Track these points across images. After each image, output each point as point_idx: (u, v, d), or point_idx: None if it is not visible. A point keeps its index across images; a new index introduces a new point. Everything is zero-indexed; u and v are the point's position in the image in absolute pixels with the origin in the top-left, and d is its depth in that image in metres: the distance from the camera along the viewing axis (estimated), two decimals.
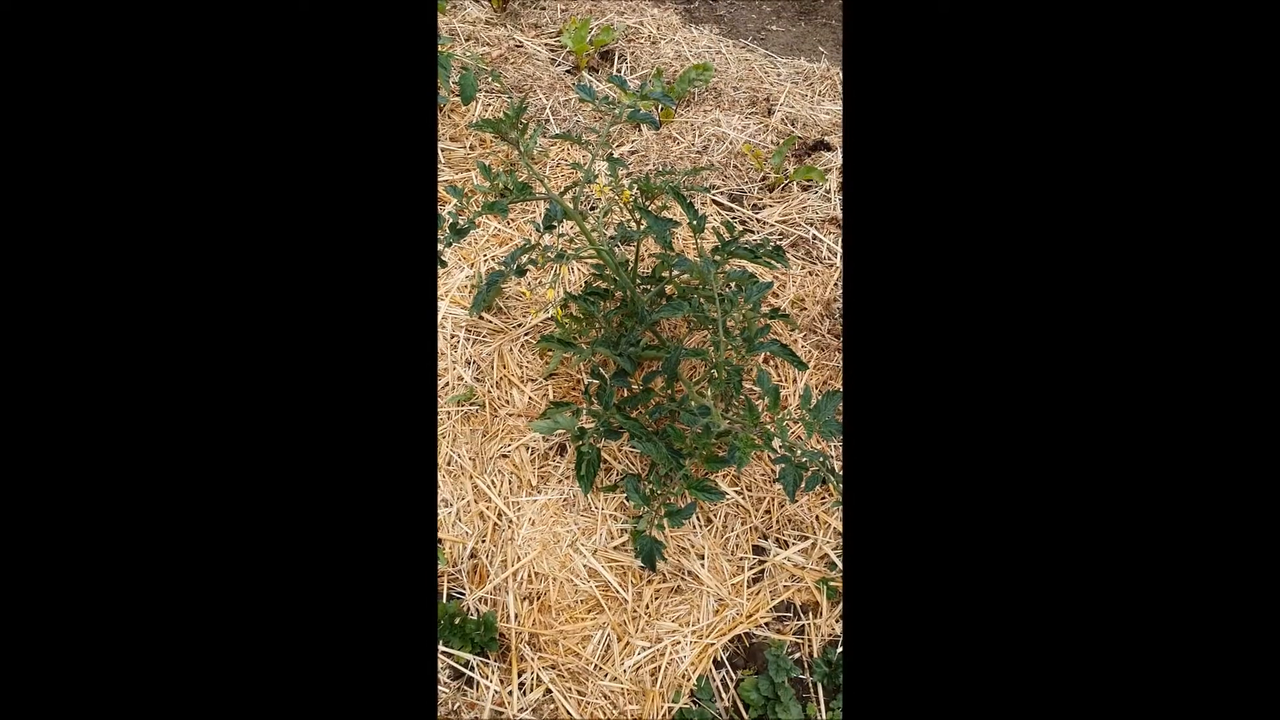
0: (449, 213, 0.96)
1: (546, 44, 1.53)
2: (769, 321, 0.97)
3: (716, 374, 0.86)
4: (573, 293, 1.02)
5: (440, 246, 0.96)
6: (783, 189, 1.30)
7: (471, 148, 1.33)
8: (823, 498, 0.97)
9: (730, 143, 1.36)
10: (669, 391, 0.94)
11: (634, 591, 0.90)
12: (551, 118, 1.38)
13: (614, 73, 1.48)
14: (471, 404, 1.03)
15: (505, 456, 0.99)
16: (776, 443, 0.78)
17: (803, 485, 0.76)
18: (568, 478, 0.97)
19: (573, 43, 1.46)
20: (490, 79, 1.41)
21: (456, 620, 0.86)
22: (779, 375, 1.06)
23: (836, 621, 0.90)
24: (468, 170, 1.29)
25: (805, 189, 1.29)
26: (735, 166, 1.33)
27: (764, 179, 1.31)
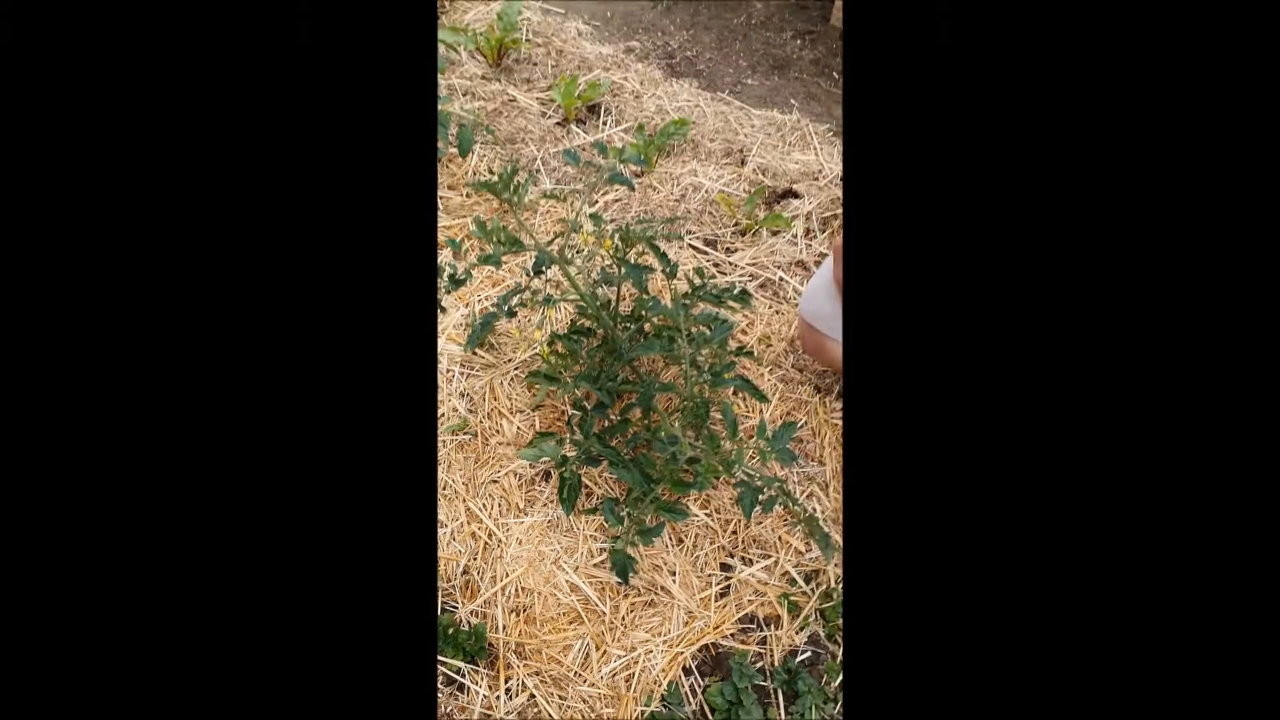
0: (448, 263, 1.06)
1: (538, 98, 1.64)
2: (735, 358, 1.07)
3: (686, 406, 0.95)
4: (558, 332, 1.12)
5: (440, 294, 1.06)
6: (753, 234, 1.41)
7: (468, 195, 1.44)
8: (785, 519, 1.06)
9: (706, 191, 1.47)
10: (645, 422, 1.04)
11: (611, 605, 0.98)
12: (542, 168, 1.49)
13: (600, 125, 1.60)
14: (465, 433, 1.13)
15: (495, 482, 1.08)
16: (738, 469, 0.87)
17: (759, 508, 0.85)
18: (552, 501, 1.06)
19: (562, 98, 1.58)
20: (485, 132, 1.53)
21: (450, 631, 0.95)
22: (746, 407, 1.15)
23: (796, 633, 0.99)
24: (464, 216, 1.40)
25: (774, 234, 1.40)
26: (710, 213, 1.44)
27: (736, 224, 1.42)
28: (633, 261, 1.01)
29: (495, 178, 1.04)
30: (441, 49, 1.59)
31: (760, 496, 0.86)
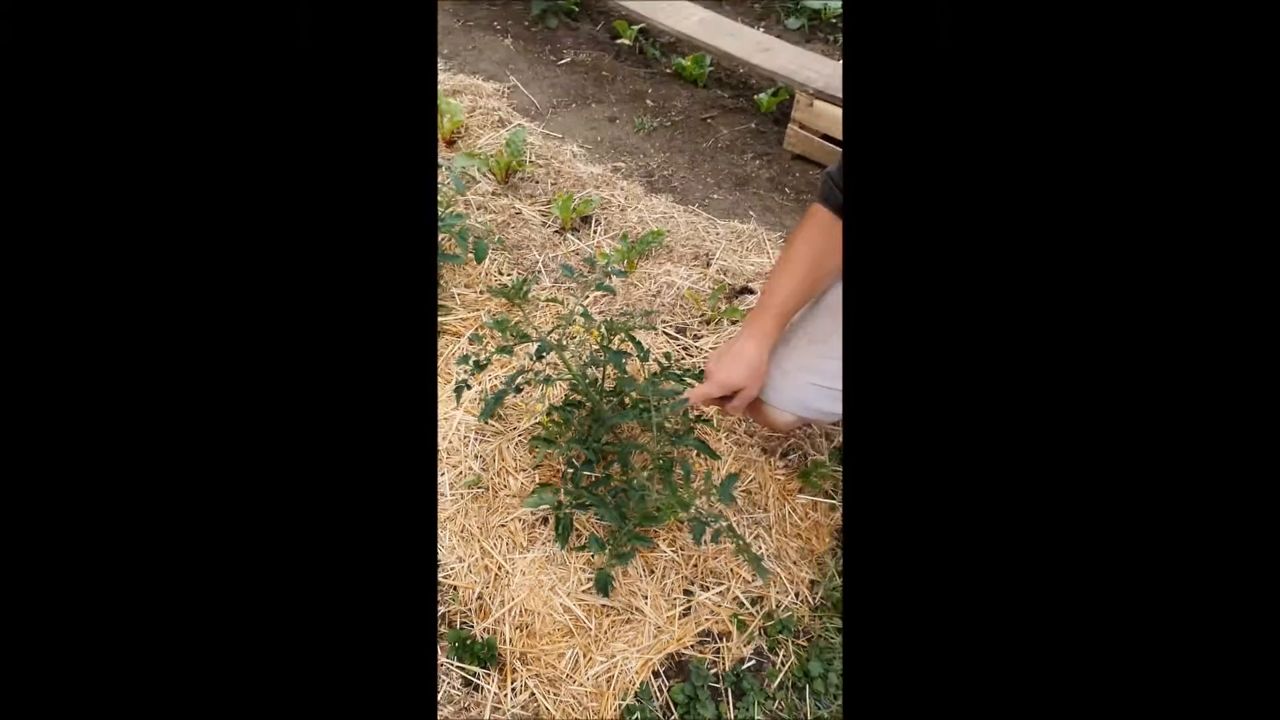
0: (471, 351, 1.36)
1: (539, 210, 1.98)
2: (696, 424, 1.35)
3: (654, 462, 1.23)
4: (555, 404, 1.40)
5: (466, 377, 1.36)
6: (716, 323, 1.71)
7: (480, 293, 1.75)
8: (739, 559, 1.32)
9: (677, 288, 1.78)
10: (623, 476, 1.31)
11: (596, 622, 1.23)
12: (543, 270, 1.81)
13: (592, 233, 1.93)
14: (479, 487, 1.39)
15: (504, 525, 1.34)
16: (691, 508, 1.14)
17: (708, 539, 1.11)
18: (549, 540, 1.32)
19: (560, 211, 1.91)
20: (496, 241, 1.85)
21: (467, 642, 1.19)
22: (704, 464, 1.43)
23: (744, 645, 1.23)
24: (478, 309, 1.71)
25: (733, 323, 1.71)
26: (680, 306, 1.75)
27: (702, 315, 1.73)
28: (615, 348, 1.30)
29: (508, 283, 1.34)
30: (460, 171, 1.93)
31: (707, 529, 1.13)
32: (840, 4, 2.65)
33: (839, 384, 1.20)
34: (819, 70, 2.16)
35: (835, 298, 1.23)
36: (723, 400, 1.19)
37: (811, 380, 1.19)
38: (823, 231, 1.12)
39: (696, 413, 1.39)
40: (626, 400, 1.36)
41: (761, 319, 1.16)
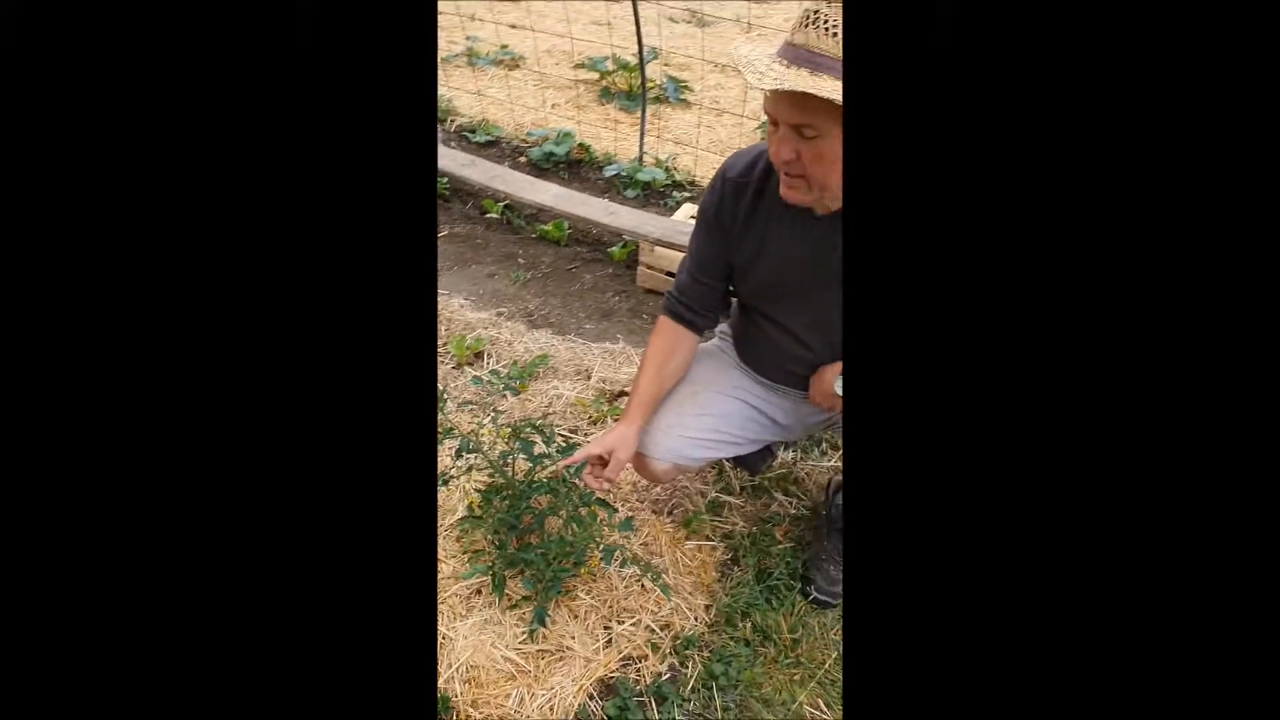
0: None
1: (437, 349, 2.31)
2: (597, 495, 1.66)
3: (564, 520, 1.52)
4: (479, 489, 1.67)
5: None
6: (601, 422, 2.06)
7: None
8: (642, 592, 1.60)
9: (565, 398, 2.14)
10: (542, 535, 1.58)
11: (534, 665, 1.45)
12: (449, 397, 2.11)
13: (485, 365, 2.27)
14: None
15: (443, 602, 1.55)
16: (601, 543, 1.43)
17: (616, 563, 1.39)
18: (488, 606, 1.54)
19: (455, 349, 2.25)
20: None
21: None
22: (606, 517, 1.72)
23: (660, 663, 1.49)
24: None
25: (615, 420, 2.07)
26: (570, 412, 2.09)
27: (589, 418, 2.08)
28: (522, 438, 1.61)
29: None
30: None
31: (615, 554, 1.42)
32: (663, 175, 3.31)
33: (701, 435, 1.57)
34: (656, 224, 2.72)
35: (691, 373, 1.63)
36: (602, 463, 1.50)
37: (680, 434, 1.56)
38: (665, 336, 1.55)
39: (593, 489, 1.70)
40: (536, 479, 1.66)
41: (629, 409, 1.53)
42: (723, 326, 1.74)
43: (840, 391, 1.46)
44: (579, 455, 1.49)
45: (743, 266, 1.48)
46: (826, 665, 1.51)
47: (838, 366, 1.46)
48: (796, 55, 1.10)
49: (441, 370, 2.21)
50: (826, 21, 1.08)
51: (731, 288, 1.56)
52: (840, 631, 1.58)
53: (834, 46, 1.08)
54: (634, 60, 3.42)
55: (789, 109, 1.13)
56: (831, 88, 1.05)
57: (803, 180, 1.21)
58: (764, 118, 1.15)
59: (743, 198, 1.42)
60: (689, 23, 5.57)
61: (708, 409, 1.59)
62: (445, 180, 3.28)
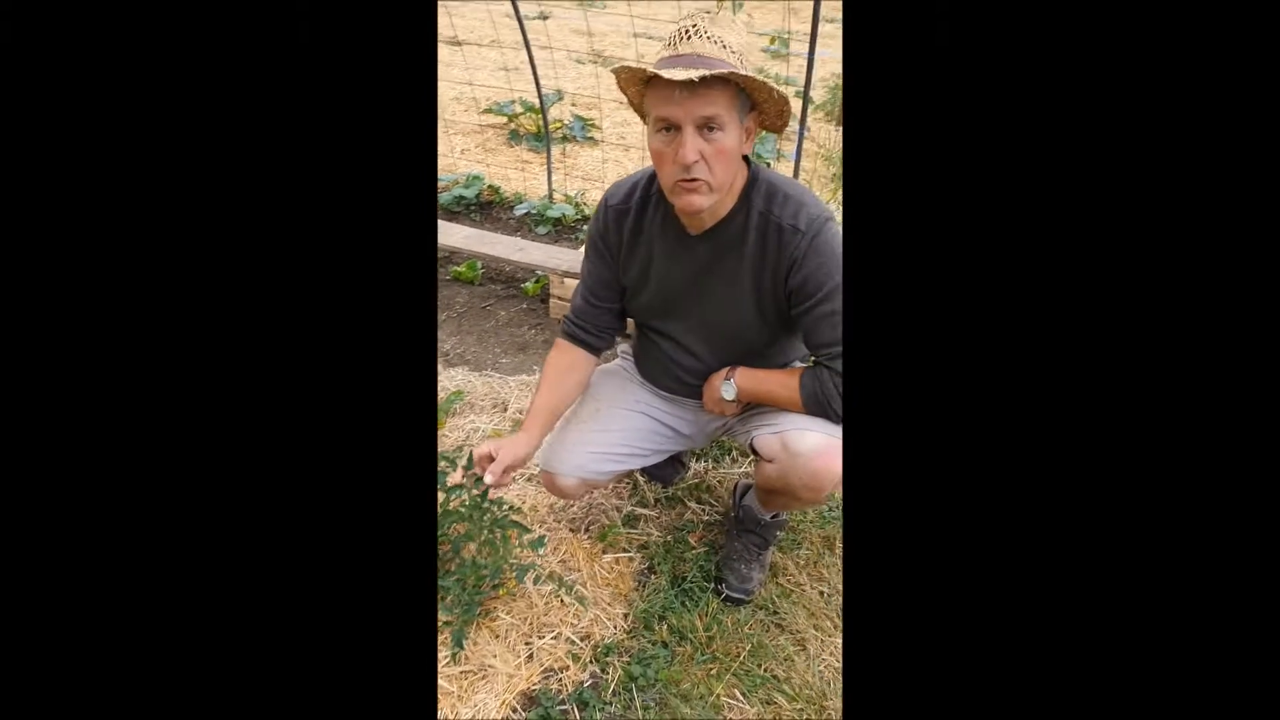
0: None
1: None
2: (512, 513, 1.72)
3: (481, 544, 1.57)
4: None
5: None
6: None
7: None
8: (560, 606, 1.66)
9: (483, 431, 2.19)
10: (457, 560, 1.63)
11: (458, 685, 1.49)
12: None
13: None
14: None
15: None
16: (514, 562, 1.49)
17: (530, 579, 1.45)
18: None
19: None
20: None
21: None
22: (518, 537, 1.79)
23: (581, 671, 1.54)
24: None
25: None
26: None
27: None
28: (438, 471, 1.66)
29: None
30: None
31: (529, 572, 1.48)
32: (572, 211, 3.43)
33: (607, 450, 1.66)
34: (564, 258, 2.83)
35: (591, 388, 1.73)
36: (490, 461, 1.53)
37: (586, 449, 1.64)
38: (563, 355, 1.65)
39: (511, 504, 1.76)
40: (454, 504, 1.71)
41: (525, 421, 1.60)
42: (624, 347, 1.85)
43: (729, 396, 1.57)
44: (476, 452, 1.52)
45: (631, 287, 1.59)
46: (741, 658, 1.60)
47: (724, 372, 1.58)
48: (690, 61, 1.21)
49: None
50: (705, 33, 1.21)
51: (627, 310, 1.67)
52: (754, 625, 1.67)
53: (717, 51, 1.20)
54: (539, 103, 3.56)
55: (698, 103, 1.19)
56: (736, 72, 1.18)
57: (704, 184, 1.26)
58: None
59: (625, 222, 1.53)
60: (595, 63, 5.78)
61: (611, 425, 1.68)
62: None
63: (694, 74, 1.16)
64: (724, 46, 1.22)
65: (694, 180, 1.25)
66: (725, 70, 1.17)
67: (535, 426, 1.58)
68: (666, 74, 1.17)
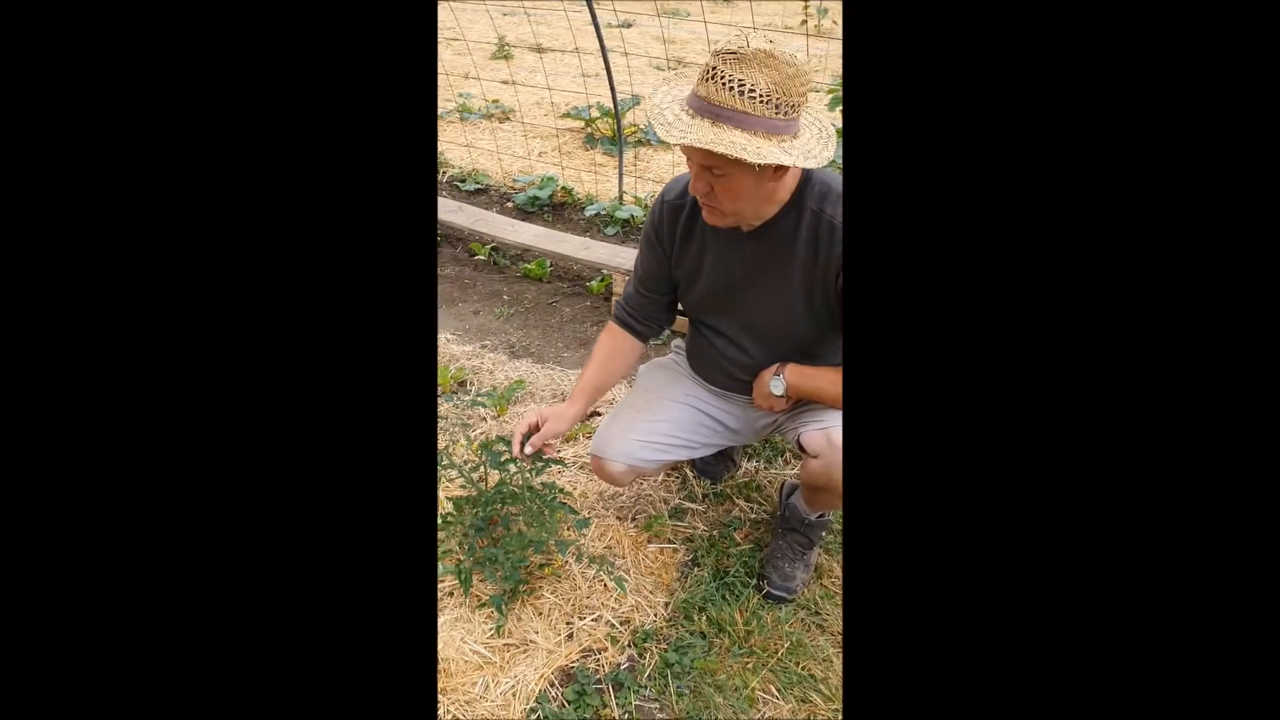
0: None
1: None
2: (561, 495, 1.78)
3: (529, 522, 1.63)
4: (449, 496, 1.80)
5: None
6: (575, 440, 2.19)
7: None
8: (603, 589, 1.70)
9: None
10: (506, 535, 1.70)
11: (499, 656, 1.55)
12: None
13: (468, 391, 2.41)
14: None
15: None
16: (555, 538, 1.54)
17: (571, 556, 1.50)
18: (459, 606, 1.65)
19: (440, 379, 2.39)
20: None
21: None
22: (565, 520, 1.84)
23: (619, 654, 1.58)
24: None
25: (586, 437, 2.19)
26: None
27: (564, 437, 2.20)
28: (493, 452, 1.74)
29: None
30: None
31: (569, 548, 1.53)
32: (640, 212, 3.49)
33: (655, 439, 1.69)
34: (627, 257, 2.88)
35: (642, 380, 1.77)
36: (535, 431, 1.61)
37: (634, 437, 1.68)
38: (612, 336, 1.71)
39: (562, 486, 1.82)
40: (504, 487, 1.78)
41: (572, 393, 1.68)
42: (677, 342, 1.88)
43: (777, 392, 1.58)
44: (519, 425, 1.60)
45: (684, 282, 1.63)
46: (779, 654, 1.60)
47: (774, 368, 1.59)
48: (700, 106, 1.26)
49: None
50: (723, 77, 1.24)
51: (679, 304, 1.71)
52: (794, 625, 1.67)
53: (732, 99, 1.23)
54: (614, 108, 3.64)
55: (698, 153, 1.29)
56: (728, 139, 1.21)
57: (717, 209, 1.39)
58: None
59: (679, 218, 1.57)
60: (673, 69, 5.85)
61: (660, 415, 1.72)
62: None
63: (674, 138, 1.23)
64: (743, 93, 1.21)
65: (709, 204, 1.39)
66: (703, 144, 1.20)
67: (579, 399, 1.66)
68: (661, 131, 1.26)
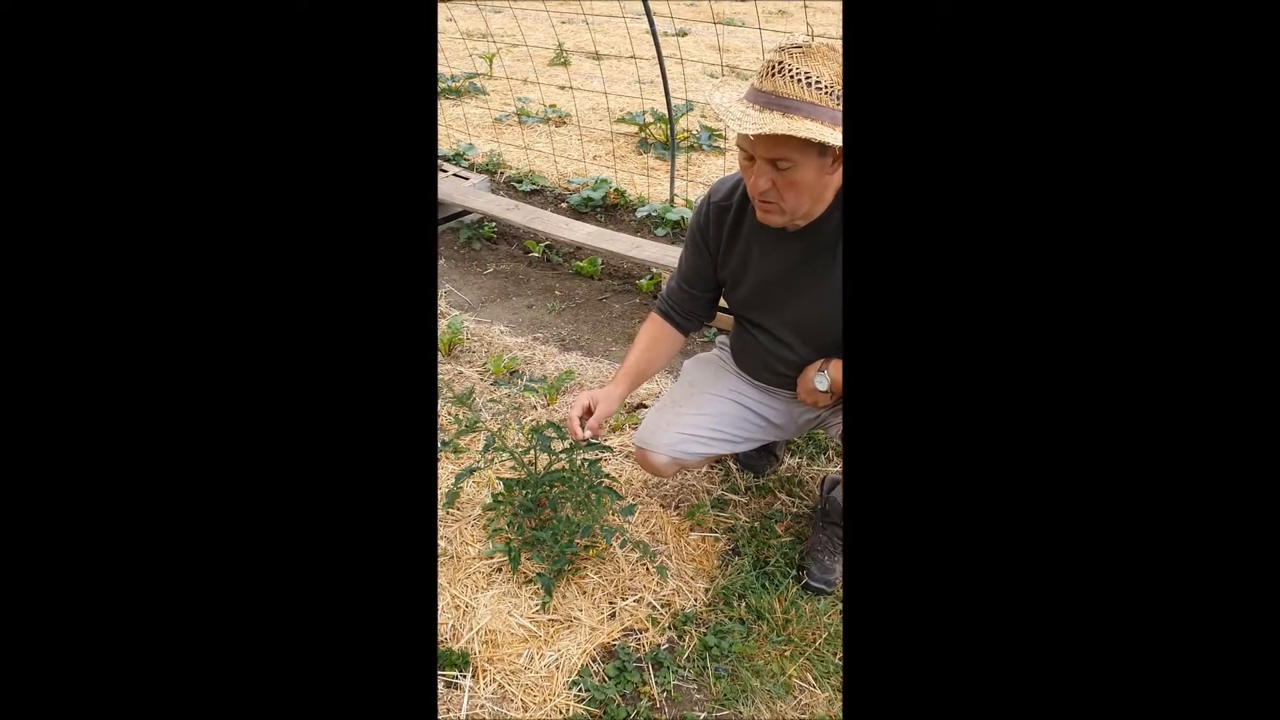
0: (441, 430, 1.84)
1: (477, 370, 2.55)
2: (607, 480, 1.84)
3: (577, 505, 1.70)
4: (500, 477, 1.87)
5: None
6: (620, 430, 2.25)
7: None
8: (644, 572, 1.76)
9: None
10: (554, 517, 1.77)
11: (545, 631, 1.62)
12: (484, 403, 2.34)
13: (519, 380, 2.50)
14: (444, 556, 1.81)
15: (469, 576, 1.75)
16: (600, 523, 1.60)
17: (616, 542, 1.56)
18: (507, 581, 1.73)
19: (493, 367, 2.49)
20: (446, 389, 2.39)
21: (446, 655, 1.55)
22: (610, 506, 1.90)
23: (659, 635, 1.63)
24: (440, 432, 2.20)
25: (633, 428, 2.25)
26: None
27: (610, 426, 2.27)
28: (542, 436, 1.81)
29: (461, 422, 1.87)
30: None
31: (615, 534, 1.58)
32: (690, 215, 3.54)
33: (698, 432, 1.74)
34: (677, 256, 2.93)
35: (687, 374, 1.82)
36: (588, 414, 1.66)
37: (679, 430, 1.73)
38: (655, 325, 1.78)
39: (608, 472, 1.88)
40: (552, 470, 1.85)
41: (615, 376, 1.75)
42: (721, 338, 1.93)
43: (822, 388, 1.62)
44: (574, 410, 1.66)
45: (729, 282, 1.68)
46: (817, 644, 1.63)
47: (819, 364, 1.62)
48: (767, 100, 1.30)
49: (479, 385, 2.45)
50: (791, 70, 1.29)
51: (722, 300, 1.75)
52: (833, 616, 1.69)
53: (800, 91, 1.28)
54: (667, 113, 3.70)
55: (766, 146, 1.32)
56: (804, 127, 1.25)
57: (776, 206, 1.40)
58: None
59: (725, 218, 1.62)
60: (727, 77, 5.89)
61: (703, 409, 1.76)
62: (492, 224, 3.60)
63: (750, 129, 1.25)
64: (810, 85, 1.24)
65: (768, 201, 1.38)
66: (782, 130, 1.23)
67: (622, 382, 1.72)
68: (734, 125, 1.28)
